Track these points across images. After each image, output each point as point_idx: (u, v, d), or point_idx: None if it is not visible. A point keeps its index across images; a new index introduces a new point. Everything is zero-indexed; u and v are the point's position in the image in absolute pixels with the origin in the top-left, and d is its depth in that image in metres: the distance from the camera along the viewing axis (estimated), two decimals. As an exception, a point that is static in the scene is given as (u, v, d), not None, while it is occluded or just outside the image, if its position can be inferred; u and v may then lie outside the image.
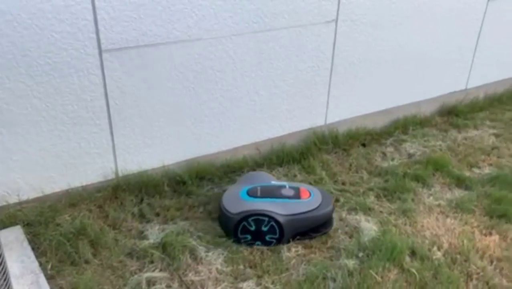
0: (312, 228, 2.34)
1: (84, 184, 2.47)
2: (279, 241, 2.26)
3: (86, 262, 2.07)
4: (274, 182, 2.48)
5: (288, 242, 2.29)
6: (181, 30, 2.40)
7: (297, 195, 2.34)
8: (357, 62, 3.14)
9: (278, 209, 2.24)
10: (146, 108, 2.48)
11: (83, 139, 2.38)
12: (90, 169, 2.47)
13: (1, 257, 1.33)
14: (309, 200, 2.34)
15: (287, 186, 2.39)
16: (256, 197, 2.30)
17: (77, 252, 2.08)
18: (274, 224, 2.22)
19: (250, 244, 2.25)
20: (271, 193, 2.33)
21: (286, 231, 2.25)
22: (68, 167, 2.40)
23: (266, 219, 2.21)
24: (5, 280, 1.36)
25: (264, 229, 2.23)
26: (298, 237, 2.30)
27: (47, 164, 2.34)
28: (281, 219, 2.22)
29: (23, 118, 2.19)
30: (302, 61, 2.90)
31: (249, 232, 2.23)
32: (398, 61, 3.34)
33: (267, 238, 2.25)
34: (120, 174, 2.55)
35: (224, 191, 2.47)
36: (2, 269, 1.33)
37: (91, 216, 2.34)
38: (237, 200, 2.30)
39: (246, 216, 2.21)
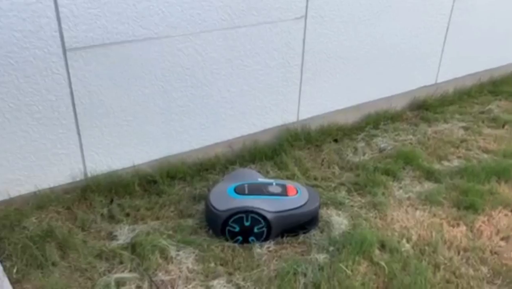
0: (299, 225, 2.34)
1: (52, 185, 2.43)
2: (266, 239, 2.29)
3: (54, 264, 2.04)
4: (261, 179, 2.50)
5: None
6: (147, 28, 2.38)
7: (284, 192, 2.36)
8: (327, 58, 3.15)
9: (265, 205, 2.25)
10: (114, 108, 2.45)
11: (49, 140, 2.34)
12: (58, 170, 2.42)
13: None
14: (296, 197, 2.36)
15: (274, 183, 2.41)
16: (243, 194, 2.31)
17: (44, 255, 2.05)
18: (265, 229, 2.25)
19: (233, 236, 2.25)
20: (258, 190, 2.34)
21: (274, 228, 2.26)
22: (35, 169, 2.36)
23: (262, 221, 2.22)
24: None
25: (256, 231, 2.24)
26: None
27: (12, 166, 2.29)
28: (268, 216, 2.23)
29: (-15, 120, 2.14)
30: (273, 58, 2.91)
31: (242, 224, 2.23)
32: (369, 56, 3.38)
33: (250, 239, 2.27)
34: (89, 175, 2.51)
35: (210, 188, 2.46)
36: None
37: (59, 218, 2.30)
38: (224, 197, 2.31)
39: (234, 213, 2.21)
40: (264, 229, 2.25)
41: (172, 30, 2.46)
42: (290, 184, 2.46)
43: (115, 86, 2.41)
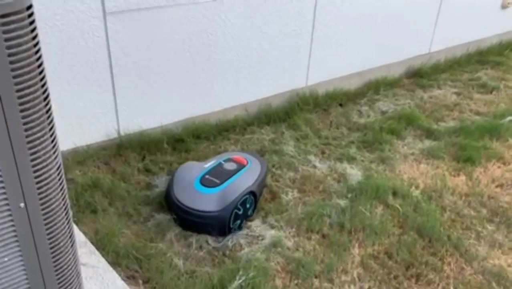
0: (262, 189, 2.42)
1: (89, 143, 2.59)
2: (255, 208, 2.34)
3: (103, 210, 2.23)
4: (207, 165, 2.38)
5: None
6: (178, -6, 2.54)
7: (240, 165, 2.38)
8: (335, 26, 3.37)
9: (245, 182, 2.26)
10: (146, 70, 2.62)
11: (87, 99, 2.50)
12: (94, 128, 2.59)
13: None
14: (252, 164, 2.42)
15: (222, 162, 2.39)
16: (217, 186, 2.22)
17: (96, 202, 2.24)
18: (252, 197, 2.27)
19: (239, 227, 2.23)
20: (223, 174, 2.29)
21: (258, 198, 2.33)
22: (74, 126, 2.52)
23: (248, 196, 2.22)
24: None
25: (248, 206, 2.26)
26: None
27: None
28: (254, 189, 2.27)
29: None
30: (286, 25, 3.10)
31: (238, 217, 2.21)
32: (371, 26, 3.60)
33: (249, 212, 2.29)
34: (122, 133, 2.69)
35: (170, 201, 2.23)
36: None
37: (100, 171, 2.48)
38: (205, 198, 2.17)
39: (235, 203, 2.15)
40: (253, 202, 2.29)
41: (200, -4, 2.63)
42: (235, 156, 2.46)
43: (147, 50, 2.57)
